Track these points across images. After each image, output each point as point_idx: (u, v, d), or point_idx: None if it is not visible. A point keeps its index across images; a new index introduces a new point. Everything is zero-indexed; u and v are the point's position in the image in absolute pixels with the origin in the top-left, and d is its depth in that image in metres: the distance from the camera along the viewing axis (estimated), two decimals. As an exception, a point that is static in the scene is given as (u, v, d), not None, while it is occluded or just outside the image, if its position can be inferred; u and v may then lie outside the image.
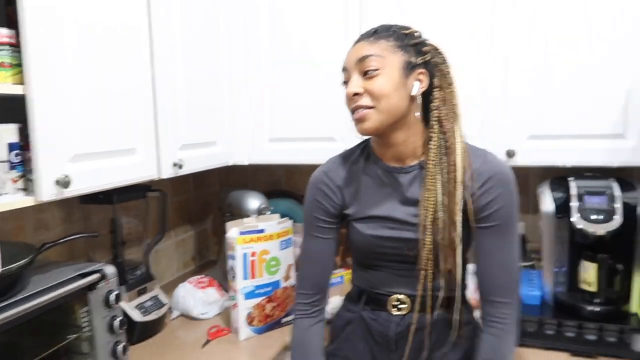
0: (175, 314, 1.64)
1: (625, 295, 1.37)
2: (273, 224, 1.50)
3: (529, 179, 1.77)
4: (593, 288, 1.36)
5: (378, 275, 1.10)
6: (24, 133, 1.01)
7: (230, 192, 1.87)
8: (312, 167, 1.18)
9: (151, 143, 1.33)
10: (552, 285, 1.45)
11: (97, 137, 1.14)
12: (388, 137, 1.03)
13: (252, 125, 1.76)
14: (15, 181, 1.02)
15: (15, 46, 0.97)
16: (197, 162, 1.53)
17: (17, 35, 0.96)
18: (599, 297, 1.36)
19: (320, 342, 1.14)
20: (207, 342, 1.46)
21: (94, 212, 1.50)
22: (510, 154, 1.45)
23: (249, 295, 1.47)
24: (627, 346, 1.30)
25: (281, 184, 2.18)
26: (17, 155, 1.02)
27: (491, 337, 1.02)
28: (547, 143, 1.44)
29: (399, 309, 1.08)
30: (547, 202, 1.40)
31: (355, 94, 0.99)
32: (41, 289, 1.02)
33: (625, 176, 1.42)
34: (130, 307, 1.42)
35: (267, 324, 1.52)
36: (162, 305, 1.53)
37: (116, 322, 1.18)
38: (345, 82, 1.03)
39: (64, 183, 1.01)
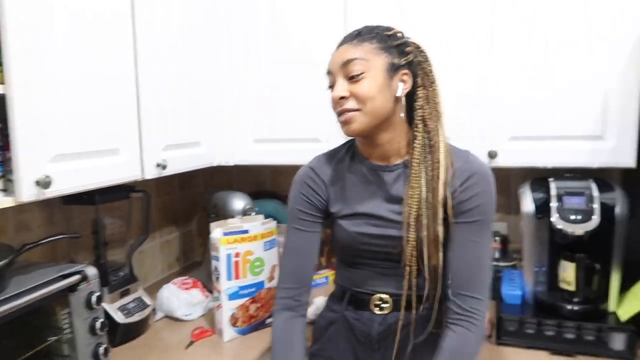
0: (159, 315, 1.63)
1: (604, 295, 1.39)
2: (257, 224, 1.51)
3: (511, 179, 1.79)
4: (572, 287, 1.39)
5: (361, 274, 1.11)
6: (4, 133, 1.00)
7: (215, 192, 1.86)
8: (297, 168, 1.18)
9: (134, 143, 1.32)
10: (533, 285, 1.47)
11: (79, 137, 1.13)
12: (374, 138, 1.05)
13: (237, 126, 1.76)
14: (-5, 182, 1.01)
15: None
16: (181, 162, 1.53)
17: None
18: (578, 296, 1.38)
19: (302, 337, 1.11)
20: (191, 343, 1.45)
21: (76, 213, 1.48)
22: (491, 155, 1.47)
23: (233, 296, 1.47)
24: (605, 344, 1.32)
25: (267, 185, 2.18)
26: (-4, 155, 1.01)
27: (458, 333, 1.00)
28: (528, 144, 1.46)
29: (382, 309, 1.09)
30: (528, 202, 1.42)
31: (341, 98, 1.00)
32: (21, 290, 1.01)
33: (606, 177, 1.44)
34: (113, 309, 1.41)
35: (251, 324, 1.52)
36: (145, 306, 1.52)
37: (97, 324, 1.18)
38: (331, 86, 1.04)
39: (44, 184, 1.01)
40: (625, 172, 1.56)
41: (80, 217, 1.48)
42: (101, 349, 1.19)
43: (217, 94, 1.73)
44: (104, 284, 1.42)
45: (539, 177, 1.48)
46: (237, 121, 1.76)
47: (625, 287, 1.38)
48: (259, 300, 1.52)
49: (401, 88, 1.01)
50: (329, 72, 1.04)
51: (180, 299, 1.62)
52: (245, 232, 1.48)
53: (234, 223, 1.50)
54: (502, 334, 1.39)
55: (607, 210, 1.33)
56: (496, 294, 1.53)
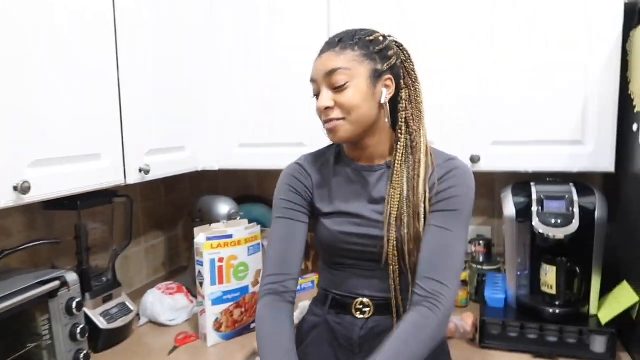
0: (143, 320, 1.62)
1: (584, 298, 1.40)
2: (241, 229, 1.50)
3: (495, 184, 1.81)
4: (553, 291, 1.40)
5: (343, 276, 1.11)
6: (-18, 138, 0.99)
7: (200, 197, 1.86)
8: (283, 172, 1.18)
9: (116, 148, 1.32)
10: (515, 288, 1.48)
11: (59, 142, 1.13)
12: (359, 142, 1.07)
13: (222, 131, 1.76)
14: (-28, 187, 1.00)
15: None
16: (165, 167, 1.52)
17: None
18: (559, 300, 1.39)
19: (288, 321, 1.05)
20: (174, 348, 1.45)
21: (58, 218, 1.47)
22: (474, 160, 1.48)
23: (217, 301, 1.47)
24: (586, 347, 1.33)
25: (253, 190, 2.18)
26: (-26, 160, 1.00)
27: (419, 313, 0.95)
28: (510, 149, 1.48)
29: (363, 312, 1.09)
30: (509, 206, 1.43)
31: (326, 108, 1.01)
32: (-1, 296, 1.01)
33: (587, 181, 1.46)
34: (95, 314, 1.40)
35: (236, 329, 1.51)
36: (128, 312, 1.51)
37: (78, 330, 1.17)
38: (316, 94, 1.04)
39: (22, 189, 1.00)
40: (606, 177, 1.58)
41: (62, 222, 1.47)
42: (82, 356, 1.18)
43: (201, 98, 1.72)
44: (87, 290, 1.41)
45: (521, 182, 1.49)
46: (222, 126, 1.76)
47: (605, 291, 1.40)
48: (243, 305, 1.52)
49: (385, 94, 1.02)
50: (313, 81, 1.05)
51: (165, 304, 1.61)
52: (229, 236, 1.48)
53: (217, 228, 1.49)
54: (486, 337, 1.40)
55: (586, 214, 1.35)
56: (480, 298, 1.54)
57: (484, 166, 1.49)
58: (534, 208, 1.38)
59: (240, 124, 1.75)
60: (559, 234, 1.34)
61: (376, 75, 1.00)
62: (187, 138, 1.65)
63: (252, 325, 1.55)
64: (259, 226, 1.58)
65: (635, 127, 1.28)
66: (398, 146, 1.04)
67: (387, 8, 1.54)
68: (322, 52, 1.04)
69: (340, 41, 1.02)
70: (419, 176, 1.01)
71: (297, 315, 1.50)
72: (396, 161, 1.04)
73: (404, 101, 1.04)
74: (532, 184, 1.44)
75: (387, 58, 1.02)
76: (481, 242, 1.75)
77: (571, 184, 1.41)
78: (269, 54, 1.69)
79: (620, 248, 1.39)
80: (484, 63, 1.47)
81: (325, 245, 1.11)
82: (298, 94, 1.57)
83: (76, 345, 1.18)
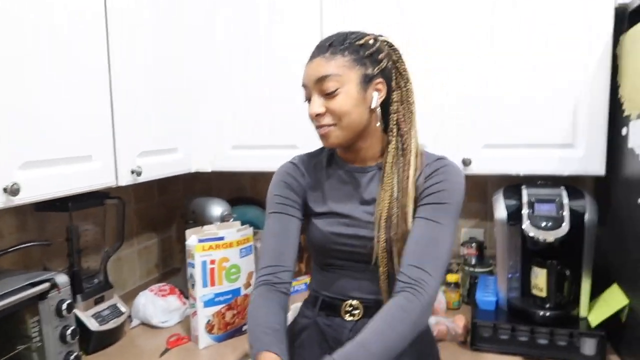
0: (135, 322, 1.62)
1: (575, 300, 1.41)
2: (232, 231, 1.50)
3: (487, 186, 1.81)
4: (544, 293, 1.40)
5: (333, 277, 1.12)
6: (-29, 140, 0.99)
7: (193, 199, 1.86)
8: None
9: (108, 150, 1.32)
10: (506, 291, 1.48)
11: (49, 144, 1.13)
12: (351, 146, 1.08)
13: (215, 132, 1.76)
14: (-38, 189, 1.00)
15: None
16: (157, 169, 1.52)
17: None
18: (550, 302, 1.40)
19: (280, 308, 1.05)
20: (166, 350, 1.45)
21: (50, 220, 1.47)
22: (466, 163, 1.49)
23: (209, 303, 1.47)
24: (576, 349, 1.34)
25: (247, 191, 2.18)
26: (-37, 162, 1.00)
27: (403, 297, 0.94)
28: (502, 152, 1.49)
29: (352, 315, 1.10)
30: (500, 209, 1.44)
31: (317, 115, 1.01)
32: (-12, 298, 1.00)
33: (578, 185, 1.47)
34: (86, 316, 1.40)
35: (227, 331, 1.51)
36: (120, 313, 1.51)
37: (68, 332, 1.17)
38: (307, 99, 1.05)
39: (12, 191, 1.00)
40: (597, 180, 1.59)
41: (54, 223, 1.47)
42: (72, 357, 1.18)
43: (194, 99, 1.72)
44: (78, 291, 1.41)
45: (512, 185, 1.50)
46: (215, 127, 1.76)
47: (595, 293, 1.41)
48: (235, 307, 1.52)
49: (376, 98, 1.02)
50: (304, 86, 1.05)
51: (157, 305, 1.61)
52: (221, 238, 1.48)
53: (209, 230, 1.49)
54: (477, 339, 1.41)
55: (576, 217, 1.36)
56: (471, 300, 1.55)
57: (475, 169, 1.49)
58: (525, 211, 1.38)
59: (233, 126, 1.75)
60: (549, 236, 1.34)
61: (366, 80, 1.01)
62: (180, 140, 1.66)
63: (244, 327, 1.55)
64: (252, 228, 1.58)
65: (624, 131, 1.29)
66: (389, 148, 1.05)
67: (387, 8, 1.55)
68: (313, 57, 1.04)
69: (331, 45, 1.02)
70: (408, 178, 1.02)
71: (289, 317, 1.50)
72: (387, 163, 1.04)
73: (395, 103, 1.04)
74: (523, 187, 1.45)
75: (377, 62, 1.02)
76: (473, 244, 1.75)
77: (562, 187, 1.42)
78: (268, 54, 1.68)
79: (610, 251, 1.40)
80: (484, 63, 1.48)
81: (317, 246, 1.12)
82: (294, 95, 1.56)
83: (66, 347, 1.17)
